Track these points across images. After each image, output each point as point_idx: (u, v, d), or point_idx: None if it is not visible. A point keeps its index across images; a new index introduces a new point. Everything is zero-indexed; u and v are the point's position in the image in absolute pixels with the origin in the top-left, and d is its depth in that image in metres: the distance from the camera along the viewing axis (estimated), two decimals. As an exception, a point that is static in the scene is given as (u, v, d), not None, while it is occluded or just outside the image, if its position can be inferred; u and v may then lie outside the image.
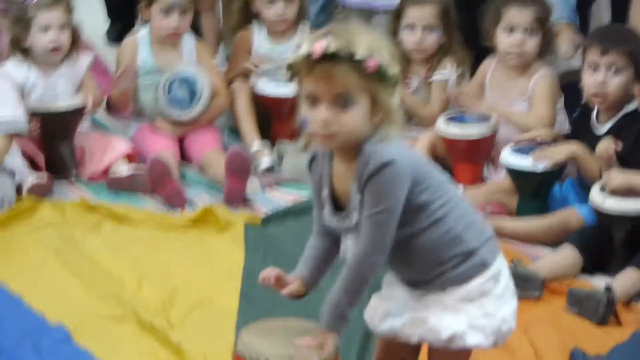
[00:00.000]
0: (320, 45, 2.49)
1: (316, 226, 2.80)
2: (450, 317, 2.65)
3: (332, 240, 2.77)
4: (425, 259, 2.65)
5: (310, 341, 2.62)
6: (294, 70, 2.58)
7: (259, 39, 5.21)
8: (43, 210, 4.41)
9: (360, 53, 2.50)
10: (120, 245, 4.22)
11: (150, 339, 3.55)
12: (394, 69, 2.57)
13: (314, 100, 2.55)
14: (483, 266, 2.66)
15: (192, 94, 4.98)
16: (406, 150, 2.68)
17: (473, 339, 2.65)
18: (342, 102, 2.51)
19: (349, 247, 2.72)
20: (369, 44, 2.56)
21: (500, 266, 2.72)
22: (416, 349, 2.83)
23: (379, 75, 2.53)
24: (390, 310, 2.74)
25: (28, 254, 4.13)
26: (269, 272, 2.74)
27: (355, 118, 2.55)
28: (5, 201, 4.38)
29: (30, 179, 4.64)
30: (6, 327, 3.61)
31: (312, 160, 2.75)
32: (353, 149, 2.58)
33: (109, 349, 3.46)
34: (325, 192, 2.69)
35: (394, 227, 2.58)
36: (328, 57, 2.49)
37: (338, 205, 2.68)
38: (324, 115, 2.53)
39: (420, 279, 2.68)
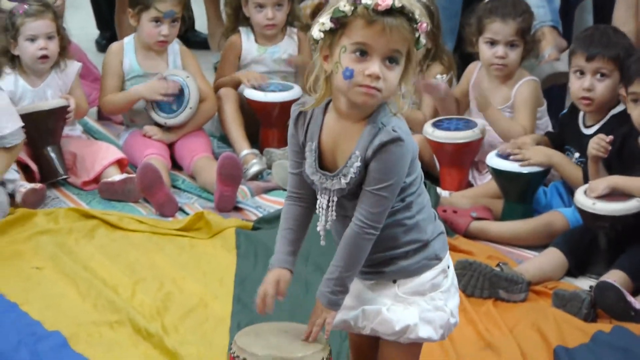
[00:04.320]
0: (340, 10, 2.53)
1: (291, 192, 2.84)
2: (402, 309, 2.72)
3: (307, 206, 2.82)
4: (382, 237, 2.68)
5: (313, 328, 2.69)
6: (344, 19, 2.55)
7: (248, 43, 5.24)
8: (37, 218, 4.44)
9: (417, 13, 2.54)
10: (114, 252, 4.23)
11: (145, 345, 3.58)
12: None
13: (363, 53, 2.54)
14: (436, 259, 2.74)
15: (180, 99, 4.97)
16: (409, 131, 2.70)
17: (424, 332, 2.71)
18: (391, 59, 2.55)
19: (323, 205, 2.75)
20: (420, 7, 2.60)
21: (449, 261, 2.80)
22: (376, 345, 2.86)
23: (418, 42, 2.59)
24: (344, 303, 2.77)
25: (24, 262, 4.12)
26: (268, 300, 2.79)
27: (396, 78, 2.58)
28: (0, 211, 4.40)
29: (23, 187, 4.62)
30: (4, 334, 3.63)
31: (298, 117, 2.77)
32: (367, 111, 2.62)
33: (105, 355, 3.50)
34: (314, 146, 2.72)
35: (392, 203, 2.65)
36: (390, 12, 2.51)
37: (323, 163, 2.73)
38: (377, 68, 2.53)
39: (371, 261, 2.72)
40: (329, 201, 2.74)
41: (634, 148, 4.10)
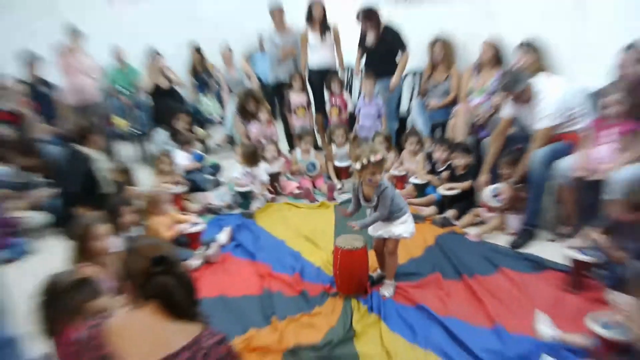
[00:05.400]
0: (374, 158, 2.56)
1: (353, 202, 2.79)
2: (397, 228, 2.75)
3: (358, 205, 2.79)
4: (389, 213, 2.73)
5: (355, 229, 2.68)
6: (362, 166, 2.58)
7: (334, 149, 4.87)
8: (274, 206, 4.40)
9: (379, 155, 2.59)
10: (298, 216, 4.14)
11: (312, 244, 3.59)
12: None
13: (372, 174, 2.59)
14: (405, 212, 2.76)
15: (314, 167, 4.86)
16: (389, 182, 2.73)
17: (406, 234, 2.76)
18: (375, 173, 2.59)
19: (369, 211, 2.79)
20: (378, 148, 2.65)
21: (410, 212, 2.81)
22: (385, 241, 2.85)
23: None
24: (376, 228, 2.80)
25: (272, 221, 4.04)
26: (345, 212, 2.84)
27: (380, 176, 2.63)
28: (262, 205, 4.36)
29: (270, 196, 4.49)
30: (264, 243, 3.64)
31: (354, 186, 2.76)
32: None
33: (301, 248, 3.50)
34: (361, 196, 2.74)
35: (389, 206, 2.68)
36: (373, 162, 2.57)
37: (365, 199, 2.73)
38: (376, 178, 2.62)
39: (387, 218, 2.73)
40: (371, 208, 2.76)
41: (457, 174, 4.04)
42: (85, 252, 2.59)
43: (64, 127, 5.06)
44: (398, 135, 5.07)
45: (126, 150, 6.36)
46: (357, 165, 2.61)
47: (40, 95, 5.15)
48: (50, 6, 6.78)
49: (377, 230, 2.84)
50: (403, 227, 2.78)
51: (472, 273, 2.97)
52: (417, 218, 3.70)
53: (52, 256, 3.28)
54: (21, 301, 2.19)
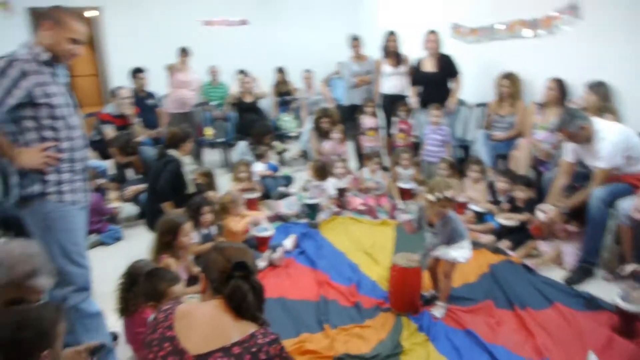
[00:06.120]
0: (449, 195, 2.51)
1: (416, 222, 2.77)
2: (454, 251, 2.67)
3: (420, 226, 2.75)
4: (450, 239, 2.68)
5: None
6: (439, 200, 2.55)
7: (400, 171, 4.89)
8: (339, 219, 4.30)
9: (445, 194, 2.55)
10: (360, 231, 4.04)
11: (370, 259, 3.52)
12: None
13: (442, 207, 2.57)
14: (465, 238, 2.68)
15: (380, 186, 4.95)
16: (454, 213, 2.67)
17: (462, 259, 2.67)
18: (445, 206, 2.57)
19: (430, 235, 2.72)
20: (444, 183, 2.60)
21: (469, 239, 2.74)
22: (440, 263, 2.79)
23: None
24: (437, 249, 2.72)
25: (335, 233, 3.99)
26: (409, 226, 2.80)
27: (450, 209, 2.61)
28: (327, 217, 4.28)
29: (335, 209, 4.40)
30: (326, 252, 3.56)
31: (421, 210, 2.73)
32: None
33: (360, 261, 3.44)
34: (424, 220, 2.70)
35: (450, 234, 2.64)
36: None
37: (429, 224, 2.70)
38: (445, 211, 2.58)
39: (446, 242, 2.68)
40: (432, 233, 2.72)
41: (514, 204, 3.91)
42: (170, 245, 2.68)
43: (162, 132, 5.31)
44: (461, 162, 4.96)
45: (212, 157, 6.65)
46: (432, 198, 2.57)
47: (142, 103, 5.43)
48: (159, 28, 7.36)
49: (435, 251, 2.77)
50: (460, 251, 2.71)
51: (524, 305, 2.84)
52: (475, 244, 3.44)
53: (140, 244, 3.42)
54: (110, 280, 2.33)
